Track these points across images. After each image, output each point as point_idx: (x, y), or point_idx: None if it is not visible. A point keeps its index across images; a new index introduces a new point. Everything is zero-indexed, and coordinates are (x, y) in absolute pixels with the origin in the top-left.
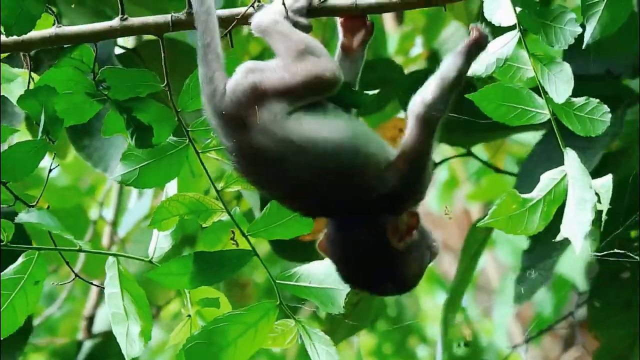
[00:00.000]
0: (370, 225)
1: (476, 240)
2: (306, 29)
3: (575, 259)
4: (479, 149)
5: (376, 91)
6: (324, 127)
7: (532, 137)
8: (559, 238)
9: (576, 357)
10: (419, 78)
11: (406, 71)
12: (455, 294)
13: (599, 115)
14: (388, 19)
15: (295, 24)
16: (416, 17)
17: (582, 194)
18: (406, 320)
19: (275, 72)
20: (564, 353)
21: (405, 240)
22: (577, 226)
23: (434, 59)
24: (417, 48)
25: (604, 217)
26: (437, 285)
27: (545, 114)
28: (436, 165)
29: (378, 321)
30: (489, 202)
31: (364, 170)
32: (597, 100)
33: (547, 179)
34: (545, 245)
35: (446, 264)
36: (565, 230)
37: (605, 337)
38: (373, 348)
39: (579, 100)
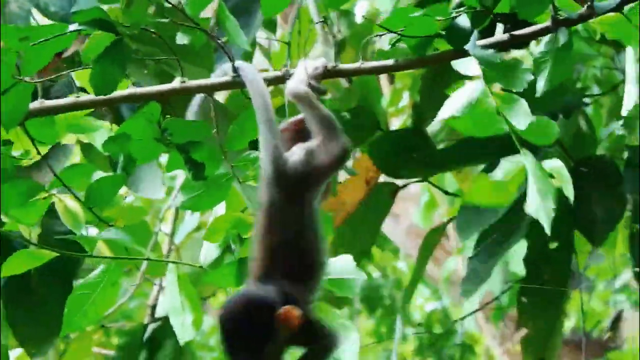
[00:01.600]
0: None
1: (429, 245)
2: (323, 92)
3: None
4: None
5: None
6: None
7: None
8: (528, 216)
9: (522, 336)
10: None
11: (393, 119)
12: (412, 284)
13: (550, 130)
14: (383, 79)
15: (314, 88)
16: (404, 77)
17: (541, 185)
18: (397, 309)
19: (321, 153)
20: (515, 333)
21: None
22: (544, 211)
23: (416, 108)
24: (404, 100)
25: (570, 194)
26: (421, 282)
27: (506, 128)
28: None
29: (376, 309)
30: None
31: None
32: (548, 119)
33: (508, 165)
34: (485, 253)
35: (428, 267)
36: (533, 212)
37: (530, 326)
38: (371, 330)
39: (533, 120)
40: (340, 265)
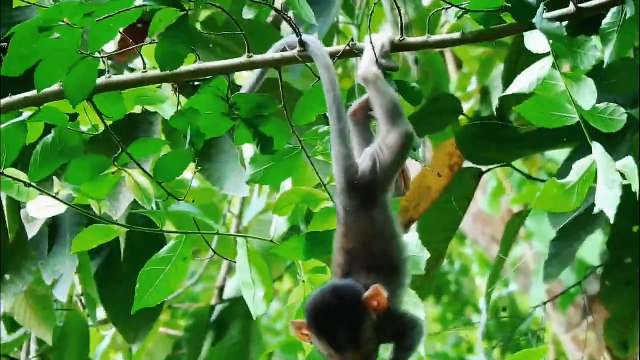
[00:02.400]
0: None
1: (511, 232)
2: (394, 69)
3: (593, 247)
4: (519, 164)
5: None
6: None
7: (560, 155)
8: (595, 211)
9: (590, 323)
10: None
11: (463, 103)
12: (496, 271)
13: (617, 116)
14: (450, 64)
15: (384, 67)
16: (472, 62)
17: (609, 176)
18: (464, 296)
19: (384, 151)
20: (582, 320)
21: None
22: (609, 201)
23: (485, 93)
24: (472, 85)
25: (636, 189)
26: (488, 268)
27: (575, 117)
28: (483, 173)
29: (442, 295)
30: (527, 204)
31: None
32: (615, 104)
33: (579, 167)
34: (567, 238)
35: (494, 252)
36: (600, 204)
37: (613, 308)
38: (438, 316)
39: (601, 105)
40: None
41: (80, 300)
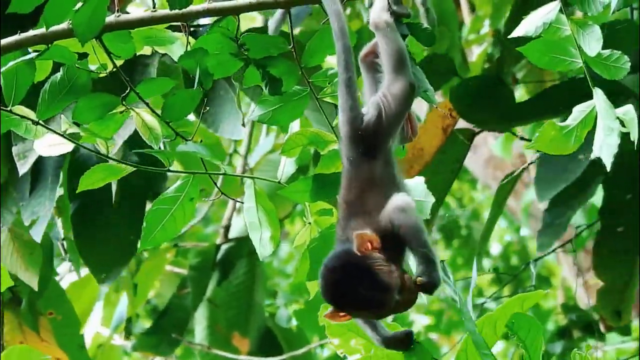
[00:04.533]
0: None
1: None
2: (406, 15)
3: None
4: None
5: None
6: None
7: None
8: (592, 157)
9: (597, 289)
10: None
11: (474, 47)
12: (492, 218)
13: (620, 64)
14: (464, 7)
15: (396, 13)
16: (485, 5)
17: (608, 122)
18: (474, 241)
19: (388, 100)
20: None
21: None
22: (606, 148)
23: (497, 35)
24: (485, 28)
25: (635, 137)
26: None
27: (578, 62)
28: (476, 134)
29: (453, 240)
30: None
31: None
32: (620, 52)
33: (579, 111)
34: (561, 207)
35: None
36: (597, 151)
37: (606, 278)
38: (448, 261)
39: (605, 52)
40: (412, 187)
41: (62, 245)
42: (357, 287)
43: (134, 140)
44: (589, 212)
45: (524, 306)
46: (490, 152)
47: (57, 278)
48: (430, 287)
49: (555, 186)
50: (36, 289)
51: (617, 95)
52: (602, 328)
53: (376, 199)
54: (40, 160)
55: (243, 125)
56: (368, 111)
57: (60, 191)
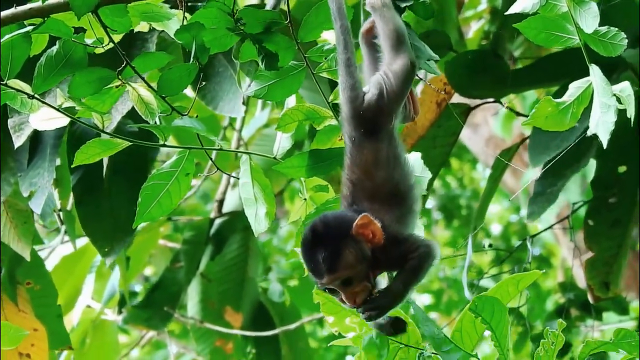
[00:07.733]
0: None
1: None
2: None
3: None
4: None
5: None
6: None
7: None
8: (589, 133)
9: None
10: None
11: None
12: (487, 193)
13: (617, 40)
14: None
15: None
16: None
17: (605, 99)
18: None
19: (389, 78)
20: None
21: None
22: (603, 125)
23: (494, 13)
24: (483, 5)
25: (631, 114)
26: (498, 193)
27: (574, 39)
28: (472, 109)
29: (453, 219)
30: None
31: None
32: (616, 29)
33: (575, 87)
34: (552, 176)
35: (506, 177)
36: (593, 128)
37: (596, 249)
38: (448, 240)
39: (602, 29)
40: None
41: (59, 216)
42: (318, 252)
43: (134, 115)
44: (587, 192)
45: (519, 286)
46: (490, 132)
47: (48, 250)
48: (375, 313)
49: (548, 152)
50: (28, 259)
51: (615, 66)
52: (590, 299)
53: (382, 179)
54: (38, 132)
55: (244, 103)
56: (369, 90)
57: (57, 162)
